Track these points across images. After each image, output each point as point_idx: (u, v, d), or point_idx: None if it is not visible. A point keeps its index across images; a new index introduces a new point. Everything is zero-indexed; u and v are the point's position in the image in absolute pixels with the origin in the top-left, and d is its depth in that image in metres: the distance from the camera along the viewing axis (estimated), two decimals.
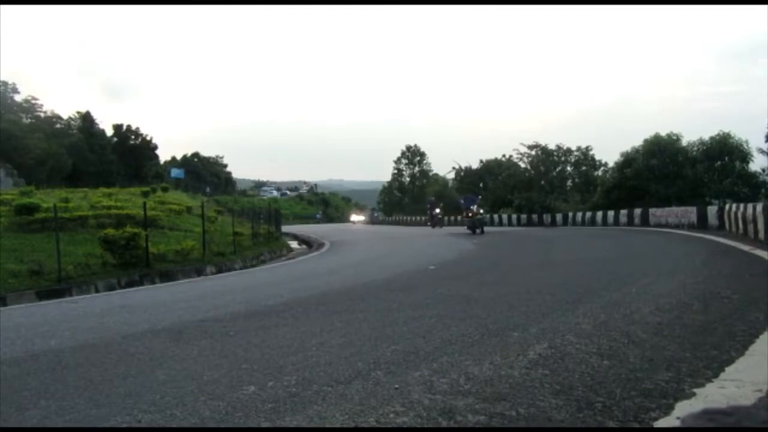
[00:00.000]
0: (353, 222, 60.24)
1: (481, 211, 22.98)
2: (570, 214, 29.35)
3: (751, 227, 11.58)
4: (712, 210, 17.66)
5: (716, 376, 2.62)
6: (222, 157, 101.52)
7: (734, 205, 14.68)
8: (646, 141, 32.60)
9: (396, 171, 70.25)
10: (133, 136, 61.67)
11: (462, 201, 24.22)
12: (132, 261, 12.32)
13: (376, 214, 63.32)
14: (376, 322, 4.58)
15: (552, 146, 45.79)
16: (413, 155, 69.79)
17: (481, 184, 48.26)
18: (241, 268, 14.28)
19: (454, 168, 54.44)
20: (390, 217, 55.63)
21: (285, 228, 33.05)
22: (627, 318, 4.11)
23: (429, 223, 31.39)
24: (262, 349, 3.88)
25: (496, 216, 34.36)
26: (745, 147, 30.61)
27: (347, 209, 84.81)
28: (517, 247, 13.98)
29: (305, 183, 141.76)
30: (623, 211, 24.07)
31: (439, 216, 28.36)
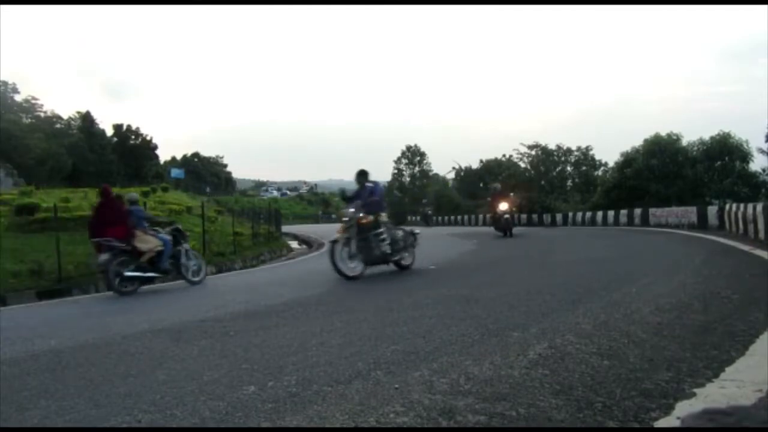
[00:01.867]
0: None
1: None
2: (570, 214, 29.36)
3: (751, 227, 11.57)
4: (712, 210, 17.65)
5: (716, 376, 2.62)
6: (222, 157, 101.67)
7: (734, 205, 14.68)
8: (646, 141, 32.62)
9: (396, 171, 70.29)
10: (133, 136, 61.72)
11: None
12: None
13: (429, 211, 45.65)
14: (376, 322, 4.58)
15: (552, 146, 45.94)
16: (413, 155, 69.83)
17: (481, 184, 48.25)
18: (241, 268, 14.29)
19: (454, 168, 54.56)
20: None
21: (285, 228, 33.07)
22: (627, 318, 4.11)
23: (493, 225, 18.57)
24: (262, 349, 3.88)
25: None
26: (745, 147, 30.66)
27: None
28: (516, 247, 13.96)
29: (305, 183, 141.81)
30: (623, 211, 24.07)
31: (506, 216, 16.96)
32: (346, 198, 9.31)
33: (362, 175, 9.12)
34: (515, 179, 43.49)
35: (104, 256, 8.62)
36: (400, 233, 9.17)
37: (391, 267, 9.08)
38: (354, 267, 8.28)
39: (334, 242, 8.37)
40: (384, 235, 8.58)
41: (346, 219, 8.57)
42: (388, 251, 8.66)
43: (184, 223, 21.83)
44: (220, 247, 16.29)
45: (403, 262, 9.14)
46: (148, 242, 9.16)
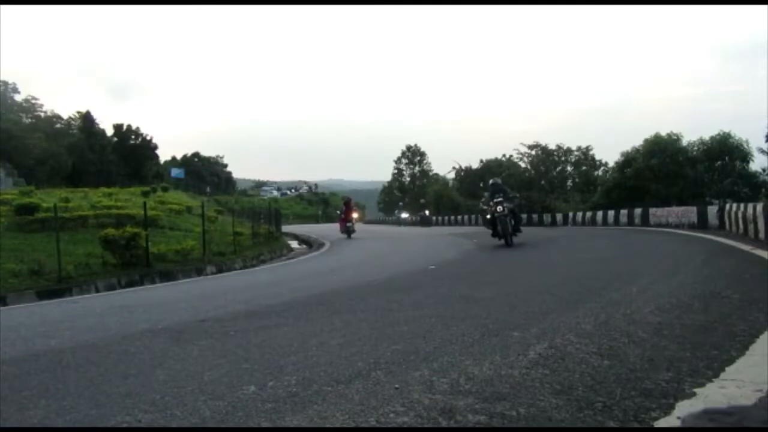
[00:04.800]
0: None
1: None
2: (570, 214, 29.30)
3: (751, 227, 11.57)
4: (712, 210, 17.62)
5: (716, 375, 2.62)
6: (222, 157, 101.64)
7: (734, 205, 14.66)
8: (646, 141, 32.60)
9: (396, 171, 70.41)
10: (133, 136, 61.70)
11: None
12: (132, 261, 12.32)
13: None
14: (376, 322, 4.58)
15: (552, 146, 45.89)
16: (413, 155, 69.91)
17: (481, 184, 48.23)
18: (241, 268, 14.27)
19: (454, 168, 54.49)
20: None
21: (285, 228, 33.07)
22: (627, 318, 4.11)
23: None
24: (262, 349, 3.88)
25: None
26: (746, 147, 30.63)
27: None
28: (516, 246, 13.95)
29: (305, 183, 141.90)
30: (623, 211, 24.04)
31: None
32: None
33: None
34: (515, 179, 43.51)
35: (350, 224, 22.67)
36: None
37: None
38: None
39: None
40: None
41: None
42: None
43: (185, 222, 21.91)
44: (220, 247, 16.27)
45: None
46: (356, 218, 20.40)
